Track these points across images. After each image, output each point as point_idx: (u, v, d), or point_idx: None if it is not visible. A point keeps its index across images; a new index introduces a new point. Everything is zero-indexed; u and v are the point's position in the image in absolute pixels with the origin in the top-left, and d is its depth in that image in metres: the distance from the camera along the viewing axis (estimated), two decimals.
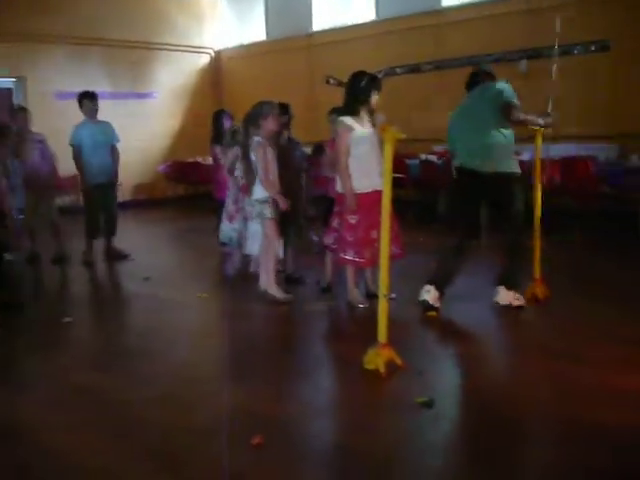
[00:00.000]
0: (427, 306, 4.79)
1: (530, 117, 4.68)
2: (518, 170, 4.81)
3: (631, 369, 3.59)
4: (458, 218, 5.02)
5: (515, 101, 4.60)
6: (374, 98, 4.82)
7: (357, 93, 4.80)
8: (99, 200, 7.07)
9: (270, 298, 5.23)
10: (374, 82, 4.84)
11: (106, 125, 7.14)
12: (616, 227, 8.17)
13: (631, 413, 3.06)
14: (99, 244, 7.20)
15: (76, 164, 6.95)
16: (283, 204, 5.15)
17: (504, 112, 4.60)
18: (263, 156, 5.12)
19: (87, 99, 6.98)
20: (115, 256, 7.20)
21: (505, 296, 4.82)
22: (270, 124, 5.16)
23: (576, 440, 2.86)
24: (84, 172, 6.96)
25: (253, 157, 5.15)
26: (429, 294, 4.83)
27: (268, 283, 5.28)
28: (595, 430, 2.92)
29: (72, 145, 6.92)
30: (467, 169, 4.79)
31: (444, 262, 4.92)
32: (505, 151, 4.74)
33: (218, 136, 6.59)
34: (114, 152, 7.14)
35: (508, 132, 4.74)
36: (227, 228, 6.18)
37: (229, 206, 6.15)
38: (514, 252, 4.85)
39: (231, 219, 6.11)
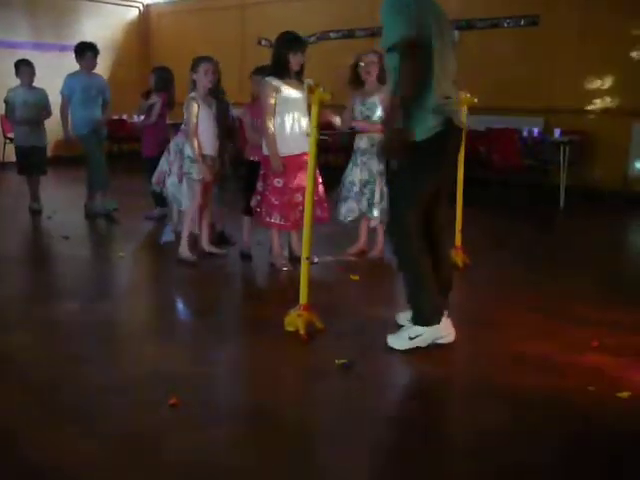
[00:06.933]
0: None
1: None
2: None
3: (533, 335, 3.77)
4: None
5: None
6: (293, 59, 4.62)
7: (277, 54, 4.66)
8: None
9: (182, 259, 5.16)
10: (291, 42, 4.65)
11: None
12: (538, 199, 8.43)
13: (530, 374, 3.21)
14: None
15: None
16: (205, 173, 5.01)
17: None
18: (195, 113, 4.95)
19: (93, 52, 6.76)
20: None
21: None
22: (203, 79, 5.02)
23: (482, 398, 2.98)
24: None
25: (185, 113, 4.98)
26: None
27: (181, 244, 5.19)
28: (499, 389, 3.04)
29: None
30: None
31: None
32: None
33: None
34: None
35: None
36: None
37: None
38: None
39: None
